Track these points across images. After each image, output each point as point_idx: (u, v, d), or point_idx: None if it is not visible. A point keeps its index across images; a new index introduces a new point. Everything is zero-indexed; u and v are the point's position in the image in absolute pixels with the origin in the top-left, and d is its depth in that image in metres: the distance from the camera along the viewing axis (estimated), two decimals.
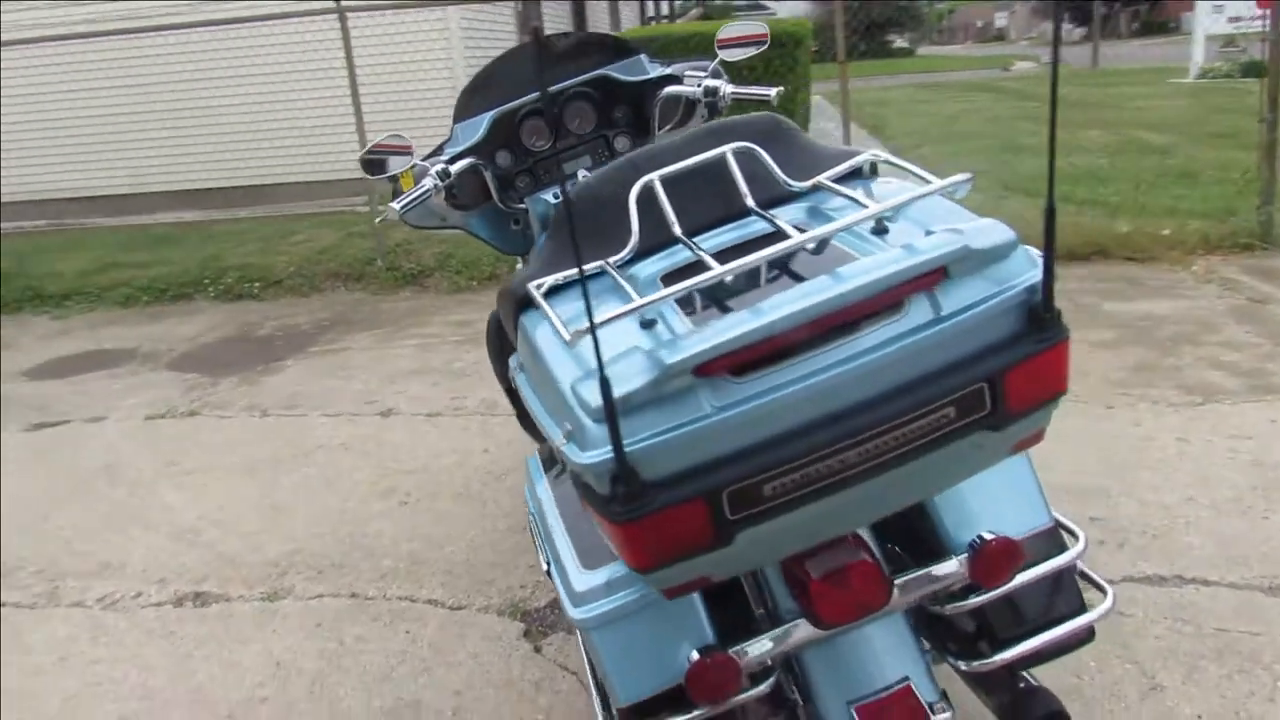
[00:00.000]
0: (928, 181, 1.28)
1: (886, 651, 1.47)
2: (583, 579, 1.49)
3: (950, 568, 1.46)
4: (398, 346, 5.11)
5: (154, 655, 2.46)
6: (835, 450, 1.12)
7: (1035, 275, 1.14)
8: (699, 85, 2.44)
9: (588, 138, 2.68)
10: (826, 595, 1.36)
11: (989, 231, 1.15)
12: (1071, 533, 1.57)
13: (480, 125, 2.57)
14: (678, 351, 1.06)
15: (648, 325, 1.24)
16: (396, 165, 2.45)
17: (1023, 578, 1.49)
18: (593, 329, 1.03)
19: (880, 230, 1.27)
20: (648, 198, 1.39)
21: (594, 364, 1.03)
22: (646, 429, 1.09)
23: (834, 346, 1.12)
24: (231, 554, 2.93)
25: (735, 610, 1.52)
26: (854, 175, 1.49)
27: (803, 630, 1.41)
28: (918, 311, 1.13)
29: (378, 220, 2.38)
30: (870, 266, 1.11)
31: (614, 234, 1.42)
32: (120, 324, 6.15)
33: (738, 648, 1.41)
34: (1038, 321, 1.14)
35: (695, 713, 1.40)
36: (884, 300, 1.10)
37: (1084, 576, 1.60)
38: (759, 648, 1.42)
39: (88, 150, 9.40)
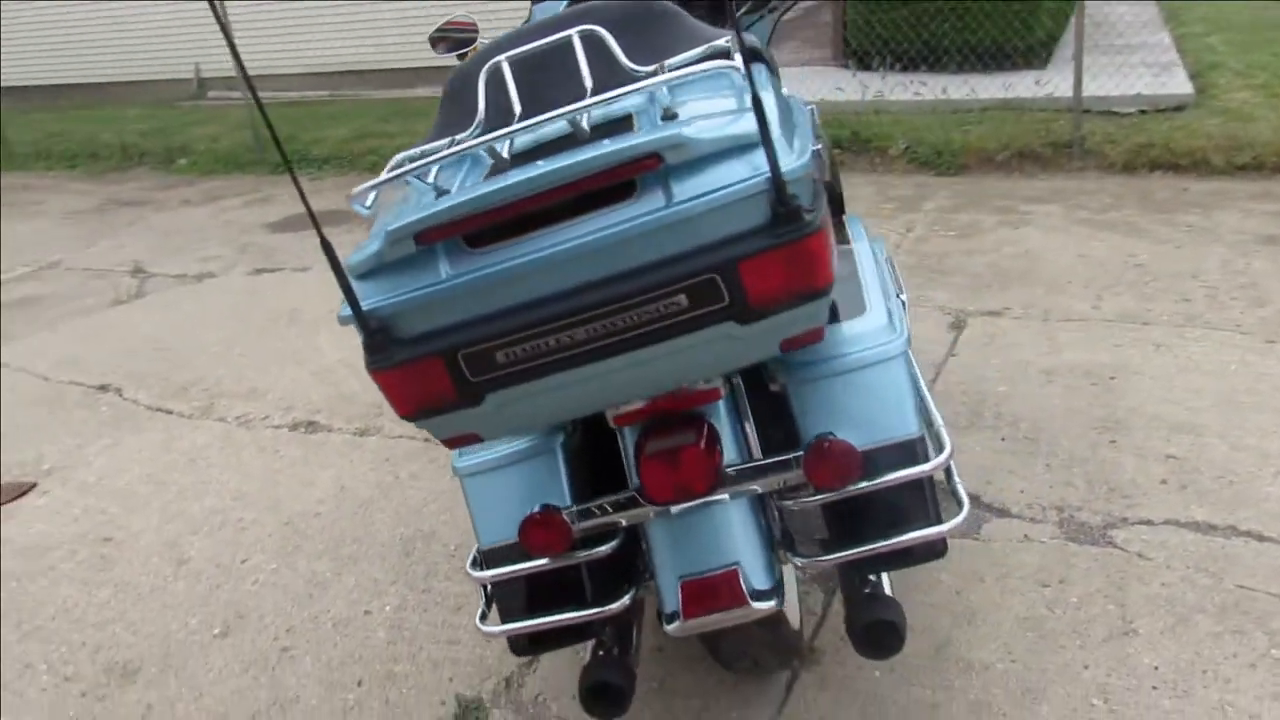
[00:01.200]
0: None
1: (723, 535, 1.50)
2: None
3: (778, 465, 1.46)
4: None
5: (256, 467, 2.90)
6: (561, 326, 1.17)
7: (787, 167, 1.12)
8: None
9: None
10: (652, 472, 1.42)
11: (728, 125, 1.13)
12: (940, 445, 1.51)
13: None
14: (399, 220, 1.16)
15: (440, 195, 1.32)
16: (461, 43, 2.54)
17: (872, 484, 1.47)
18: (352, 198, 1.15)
19: (669, 116, 1.26)
20: (500, 79, 1.45)
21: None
22: (390, 290, 1.20)
23: (563, 226, 1.16)
24: (349, 394, 3.33)
25: (609, 478, 1.61)
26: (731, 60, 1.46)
27: (636, 503, 1.48)
28: (650, 198, 1.14)
29: None
30: (589, 149, 1.13)
31: (479, 112, 1.49)
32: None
33: (572, 510, 1.51)
34: (778, 215, 1.12)
35: (533, 563, 1.53)
36: (591, 183, 1.13)
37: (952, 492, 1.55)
38: (593, 514, 1.51)
39: (358, 24, 10.25)
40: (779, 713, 1.81)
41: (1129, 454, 2.51)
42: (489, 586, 1.62)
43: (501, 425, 1.32)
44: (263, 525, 2.59)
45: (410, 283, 1.19)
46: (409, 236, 1.16)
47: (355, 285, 1.22)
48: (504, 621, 1.59)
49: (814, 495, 1.48)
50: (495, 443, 1.60)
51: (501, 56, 1.43)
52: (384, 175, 1.26)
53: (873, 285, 1.66)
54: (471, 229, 1.16)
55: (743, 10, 2.60)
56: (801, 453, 1.46)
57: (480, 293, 1.18)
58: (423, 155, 1.47)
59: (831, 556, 1.50)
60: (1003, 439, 2.65)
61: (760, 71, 1.45)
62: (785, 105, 1.48)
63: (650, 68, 1.40)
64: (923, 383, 1.65)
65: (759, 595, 1.47)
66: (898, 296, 2.13)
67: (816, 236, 1.14)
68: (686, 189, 1.13)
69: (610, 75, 1.45)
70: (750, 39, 2.69)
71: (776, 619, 1.68)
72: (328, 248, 1.16)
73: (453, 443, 1.34)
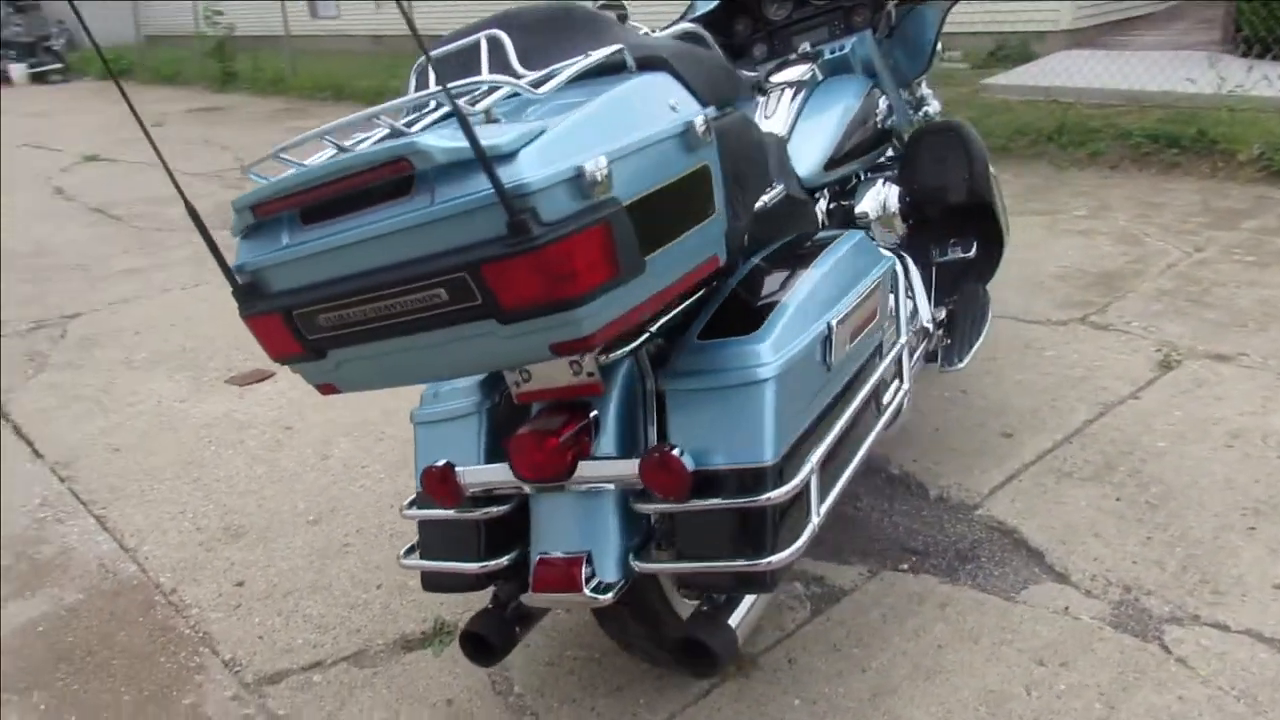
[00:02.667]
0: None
1: (582, 523, 1.57)
2: (429, 392, 1.82)
3: (623, 466, 1.50)
4: None
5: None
6: (350, 304, 1.31)
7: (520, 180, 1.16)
8: None
9: (825, 8, 2.64)
10: (517, 450, 1.54)
11: (492, 136, 1.17)
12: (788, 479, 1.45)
13: None
14: (245, 193, 1.35)
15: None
16: None
17: (704, 504, 1.46)
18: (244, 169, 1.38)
19: (491, 120, 1.32)
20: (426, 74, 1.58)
21: None
22: (253, 252, 1.41)
23: (362, 214, 1.29)
24: None
25: None
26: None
27: (506, 473, 1.59)
28: (420, 198, 1.24)
29: None
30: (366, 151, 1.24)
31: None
32: None
33: (468, 469, 1.66)
34: (510, 226, 1.17)
35: (438, 511, 1.70)
36: (361, 179, 1.24)
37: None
38: (474, 475, 1.64)
39: None
40: (681, 710, 1.83)
41: (1260, 547, 2.13)
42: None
43: (347, 380, 1.48)
44: (394, 440, 2.97)
45: (264, 247, 1.39)
46: (247, 208, 1.36)
47: (240, 243, 1.45)
48: (420, 559, 1.78)
49: (658, 502, 1.50)
50: (447, 398, 1.78)
51: (426, 56, 1.57)
52: (273, 149, 1.46)
53: (800, 308, 1.59)
54: (281, 208, 1.33)
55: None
56: (640, 457, 1.48)
57: (304, 263, 1.34)
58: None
59: (651, 566, 1.51)
60: (1118, 499, 2.35)
61: (661, 80, 1.45)
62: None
63: (536, 74, 1.45)
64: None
65: (601, 587, 1.52)
66: (903, 328, 1.97)
67: (552, 249, 1.16)
68: (445, 193, 1.22)
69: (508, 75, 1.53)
70: (808, 46, 2.57)
71: (656, 619, 1.71)
72: (194, 214, 1.39)
73: (321, 390, 1.53)
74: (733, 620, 1.54)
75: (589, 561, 1.53)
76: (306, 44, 15.44)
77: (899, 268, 2.02)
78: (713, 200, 1.47)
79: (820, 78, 2.54)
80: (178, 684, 2.01)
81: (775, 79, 2.56)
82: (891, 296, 1.94)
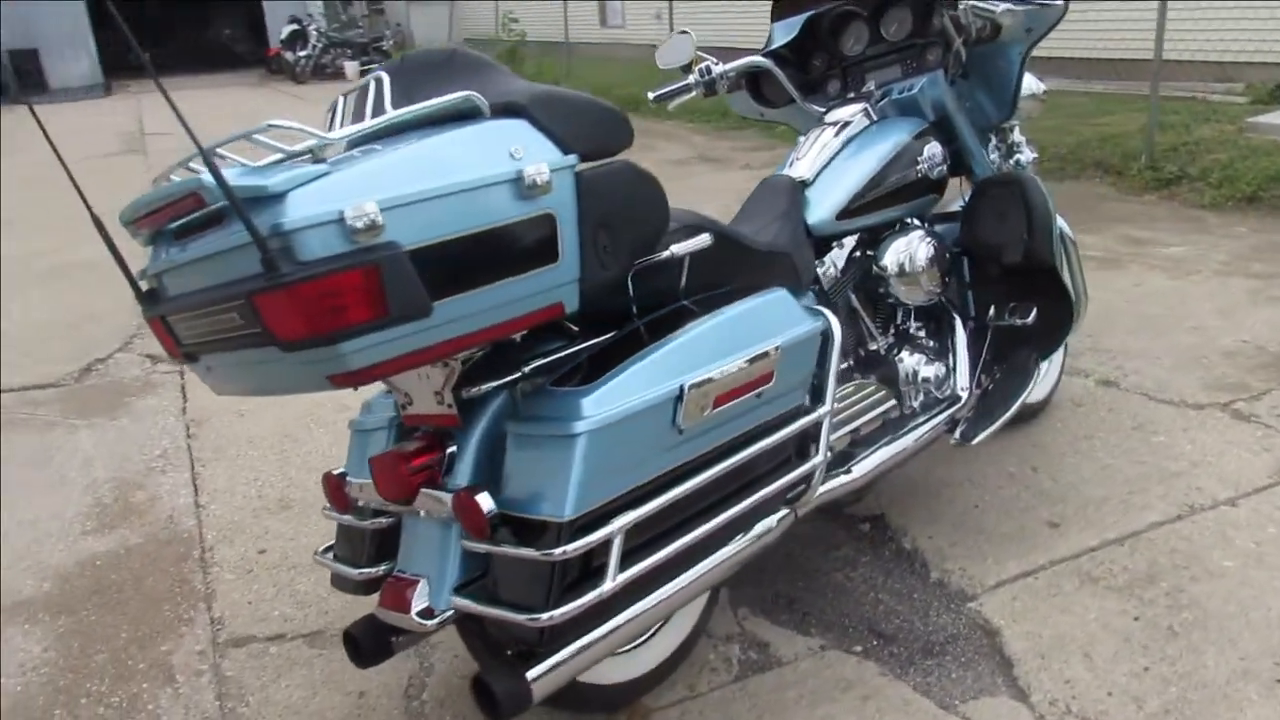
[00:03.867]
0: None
1: (427, 548, 1.64)
2: (366, 402, 1.94)
3: (442, 499, 1.54)
4: None
5: None
6: (187, 317, 1.44)
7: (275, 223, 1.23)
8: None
9: (899, 45, 2.52)
10: (375, 467, 1.63)
11: (249, 176, 1.25)
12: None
13: (795, 26, 2.64)
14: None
15: None
16: (679, 56, 2.62)
17: (490, 547, 1.48)
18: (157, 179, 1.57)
19: (317, 159, 1.37)
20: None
21: None
22: (151, 261, 1.57)
23: (196, 238, 1.41)
24: None
25: None
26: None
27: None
28: (225, 229, 1.33)
29: (652, 98, 2.64)
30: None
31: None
32: None
33: (352, 480, 1.76)
34: (264, 264, 1.24)
35: (335, 514, 1.83)
36: (171, 209, 1.35)
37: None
38: (355, 487, 1.75)
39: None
40: None
41: (1275, 706, 1.79)
42: None
43: (216, 385, 1.59)
44: None
45: (154, 259, 1.54)
46: (124, 224, 1.52)
47: (150, 251, 1.62)
48: (330, 558, 1.90)
49: (472, 540, 1.52)
50: (377, 409, 1.88)
51: (343, 91, 1.68)
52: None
53: (650, 366, 1.54)
54: (136, 227, 1.48)
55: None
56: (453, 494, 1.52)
57: (168, 276, 1.49)
58: None
59: (456, 600, 1.53)
60: (1136, 618, 2.06)
61: (509, 127, 1.46)
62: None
63: (391, 114, 1.50)
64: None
65: (425, 613, 1.57)
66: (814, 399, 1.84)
67: (304, 287, 1.22)
68: (232, 227, 1.31)
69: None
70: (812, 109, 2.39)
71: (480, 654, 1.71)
72: (100, 227, 1.57)
73: (215, 390, 1.67)
74: (533, 672, 1.53)
75: (427, 587, 1.59)
76: (595, 51, 16.30)
77: (834, 331, 1.89)
78: (556, 248, 1.46)
79: (874, 119, 2.41)
80: (165, 632, 2.27)
81: (829, 117, 2.45)
82: (810, 362, 1.81)
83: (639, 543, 1.55)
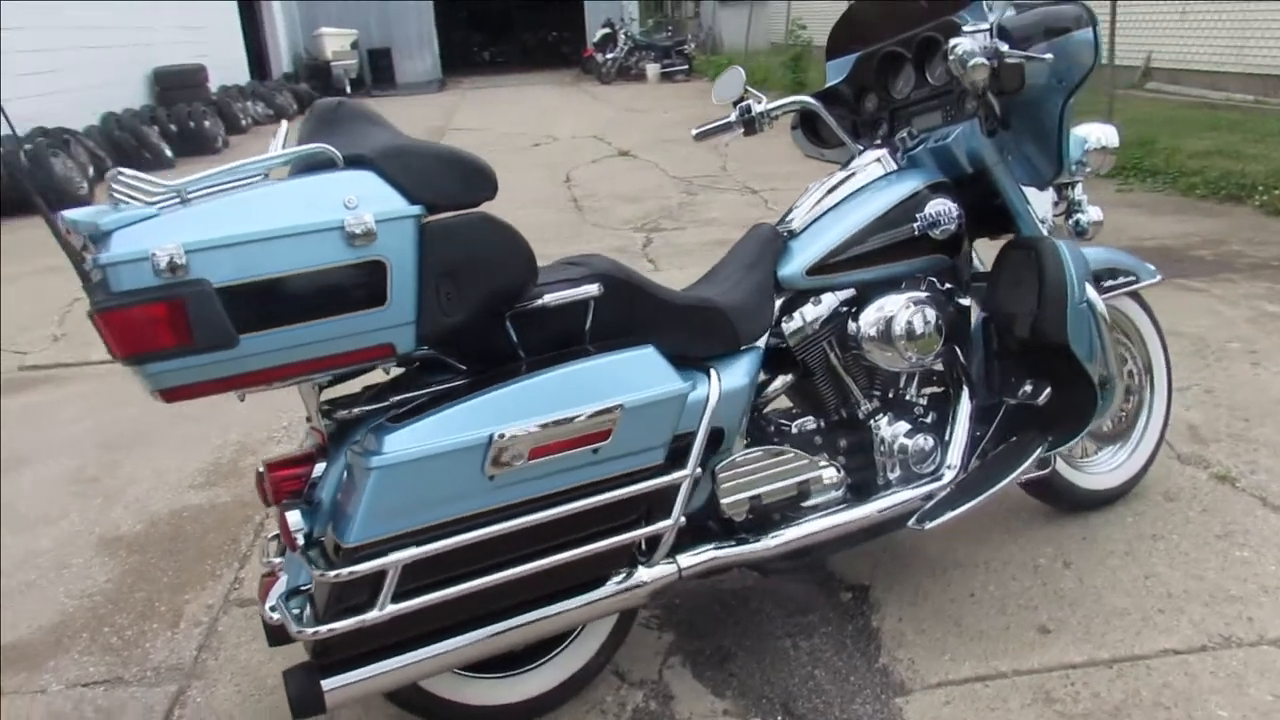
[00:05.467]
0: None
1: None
2: None
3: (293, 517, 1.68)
4: None
5: None
6: None
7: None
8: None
9: (941, 90, 2.41)
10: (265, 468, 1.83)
11: (109, 215, 1.43)
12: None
13: (846, 66, 2.59)
14: None
15: None
16: (730, 92, 2.58)
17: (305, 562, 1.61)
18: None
19: (184, 200, 1.54)
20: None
21: None
22: None
23: None
24: None
25: None
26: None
27: None
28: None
29: (694, 134, 2.60)
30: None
31: None
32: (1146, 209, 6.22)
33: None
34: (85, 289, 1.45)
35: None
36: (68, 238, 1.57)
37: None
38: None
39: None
40: None
41: None
42: None
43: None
44: None
45: None
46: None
47: None
48: None
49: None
50: None
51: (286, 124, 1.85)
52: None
53: (464, 412, 1.60)
54: None
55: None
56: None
57: None
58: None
59: (276, 602, 1.67)
60: None
61: (352, 178, 1.57)
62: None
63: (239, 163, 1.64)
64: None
65: (275, 608, 1.74)
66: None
67: (111, 314, 1.39)
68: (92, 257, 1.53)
69: None
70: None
71: None
72: (54, 228, 1.81)
73: None
74: (329, 682, 1.64)
75: (281, 585, 1.76)
76: None
77: (709, 394, 1.82)
78: (385, 292, 1.56)
79: (889, 169, 2.27)
80: (195, 584, 2.61)
81: (852, 165, 2.34)
82: (665, 424, 1.76)
83: (436, 579, 1.62)
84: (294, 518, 1.63)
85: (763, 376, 2.21)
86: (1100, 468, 2.62)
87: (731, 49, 19.92)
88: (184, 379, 1.48)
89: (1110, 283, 2.50)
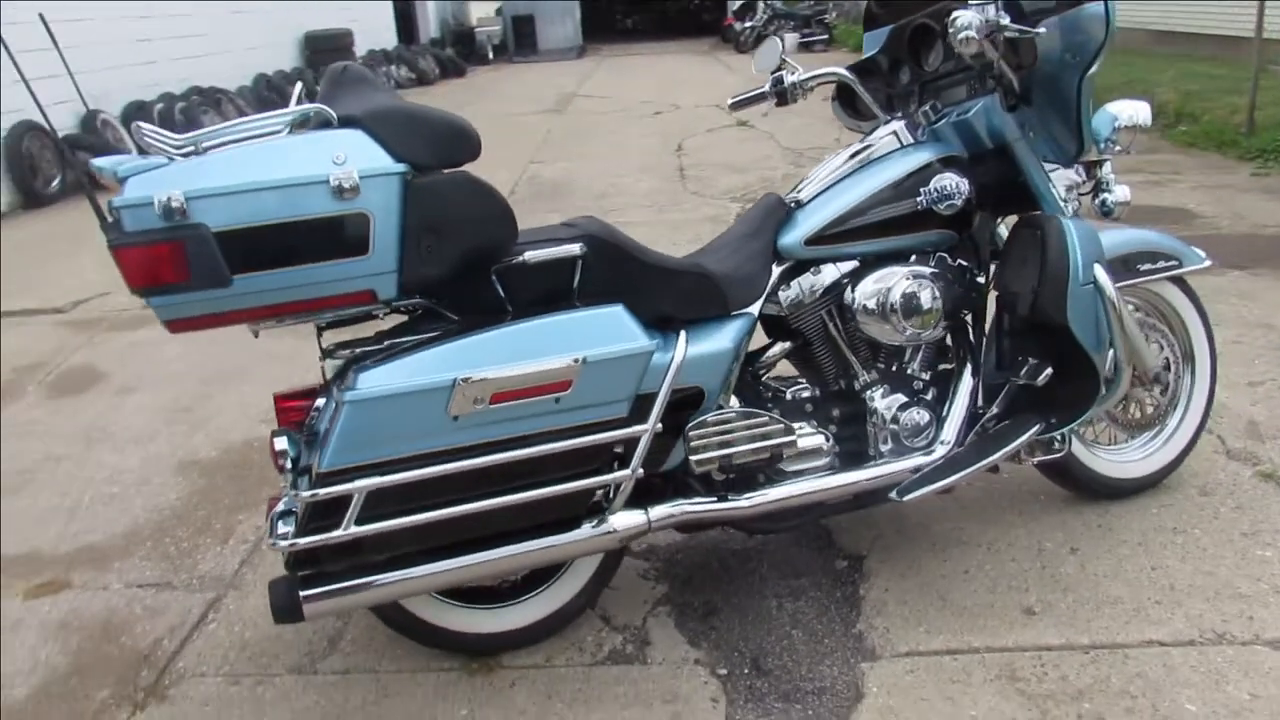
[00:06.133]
0: None
1: None
2: None
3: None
4: None
5: None
6: None
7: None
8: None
9: (967, 64, 2.40)
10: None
11: (131, 163, 1.62)
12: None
13: (881, 38, 2.60)
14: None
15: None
16: (768, 62, 2.61)
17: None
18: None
19: (197, 153, 1.71)
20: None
21: None
22: None
23: None
24: None
25: None
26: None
27: None
28: None
29: (729, 104, 2.62)
30: None
31: None
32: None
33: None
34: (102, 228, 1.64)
35: None
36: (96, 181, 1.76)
37: None
38: None
39: None
40: None
41: None
42: None
43: None
44: None
45: None
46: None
47: None
48: None
49: None
50: None
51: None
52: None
53: (431, 359, 1.74)
54: None
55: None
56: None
57: None
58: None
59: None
60: None
61: (343, 136, 1.71)
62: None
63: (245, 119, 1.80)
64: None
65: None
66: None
67: (121, 250, 1.58)
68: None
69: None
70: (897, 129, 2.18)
71: None
72: (88, 174, 2.03)
73: None
74: (306, 592, 1.80)
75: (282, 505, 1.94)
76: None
77: (674, 355, 1.89)
78: (367, 243, 1.70)
79: (904, 142, 2.27)
80: (251, 507, 2.86)
81: (872, 135, 2.35)
82: (628, 379, 1.85)
83: (400, 507, 1.77)
84: (280, 443, 1.80)
85: (766, 341, 2.27)
86: (1127, 456, 2.55)
87: None
88: (184, 312, 1.66)
89: (1148, 266, 2.42)
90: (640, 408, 1.89)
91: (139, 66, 9.30)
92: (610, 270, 1.95)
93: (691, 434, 1.99)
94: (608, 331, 1.84)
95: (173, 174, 1.63)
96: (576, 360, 1.79)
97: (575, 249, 1.90)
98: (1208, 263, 2.49)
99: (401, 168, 1.69)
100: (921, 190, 2.16)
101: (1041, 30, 2.00)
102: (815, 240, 2.15)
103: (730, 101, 2.62)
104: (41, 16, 1.88)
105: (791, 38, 19.14)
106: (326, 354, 1.92)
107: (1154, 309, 2.55)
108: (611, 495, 1.93)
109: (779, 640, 2.15)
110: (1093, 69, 2.06)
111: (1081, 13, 2.02)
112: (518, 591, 2.15)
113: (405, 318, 1.99)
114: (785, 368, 2.31)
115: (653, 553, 2.49)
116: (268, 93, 11.11)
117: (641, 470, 1.91)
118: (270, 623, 2.26)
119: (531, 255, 1.88)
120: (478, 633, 2.12)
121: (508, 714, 1.97)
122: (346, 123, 1.73)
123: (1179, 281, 2.52)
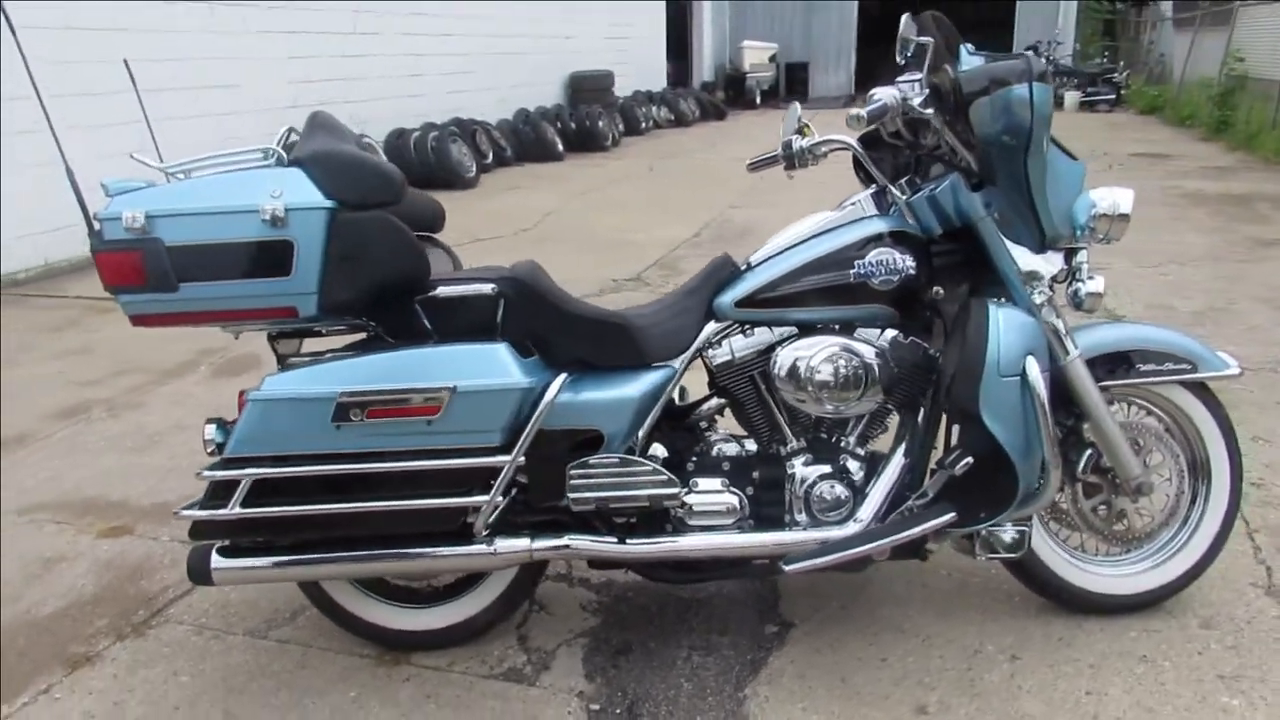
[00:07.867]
0: None
1: None
2: None
3: None
4: None
5: None
6: None
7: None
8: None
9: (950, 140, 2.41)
10: None
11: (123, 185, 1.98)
12: None
13: None
14: None
15: None
16: (789, 126, 2.68)
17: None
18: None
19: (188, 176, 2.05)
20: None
21: None
22: None
23: None
24: None
25: None
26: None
27: None
28: None
29: (747, 165, 2.62)
30: None
31: None
32: None
33: None
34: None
35: None
36: None
37: None
38: None
39: None
40: None
41: None
42: None
43: None
44: None
45: None
46: None
47: None
48: None
49: None
50: None
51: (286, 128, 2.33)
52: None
53: (324, 372, 1.97)
54: None
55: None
56: None
57: None
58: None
59: None
60: None
61: (281, 174, 1.98)
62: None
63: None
64: None
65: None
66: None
67: (98, 255, 1.94)
68: None
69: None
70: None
71: None
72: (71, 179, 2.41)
73: None
74: (216, 561, 2.08)
75: None
76: None
77: (547, 393, 1.99)
78: (290, 266, 1.97)
79: (871, 211, 2.25)
80: None
81: (843, 203, 2.35)
82: (501, 411, 1.98)
83: (286, 497, 2.00)
84: (209, 430, 2.10)
85: (704, 395, 2.33)
86: (1109, 570, 2.34)
87: (1188, 79, 17.91)
88: (143, 310, 1.99)
89: (1151, 367, 2.24)
90: (515, 440, 2.02)
91: (408, 99, 10.45)
92: (527, 312, 2.10)
93: (572, 473, 2.09)
94: (485, 366, 1.99)
95: (148, 195, 1.97)
96: (447, 389, 1.96)
97: (487, 289, 2.07)
98: (1235, 370, 2.25)
99: (329, 204, 1.95)
100: (857, 263, 2.14)
101: (929, 112, 1.95)
102: (745, 303, 2.18)
103: (749, 163, 2.68)
104: (126, 63, 2.28)
105: (1073, 96, 18.11)
106: (281, 360, 2.21)
107: (1167, 413, 2.33)
108: (488, 518, 2.07)
109: (667, 690, 2.19)
110: (1030, 152, 1.97)
111: (1009, 94, 1.94)
112: (438, 597, 2.33)
113: (362, 336, 2.24)
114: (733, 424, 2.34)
115: (607, 588, 2.59)
116: (524, 126, 12.01)
117: (502, 498, 2.04)
118: (255, 589, 2.62)
119: (444, 290, 2.07)
120: (395, 628, 2.32)
121: (385, 705, 2.16)
122: (294, 163, 2.01)
123: (1198, 387, 2.30)
